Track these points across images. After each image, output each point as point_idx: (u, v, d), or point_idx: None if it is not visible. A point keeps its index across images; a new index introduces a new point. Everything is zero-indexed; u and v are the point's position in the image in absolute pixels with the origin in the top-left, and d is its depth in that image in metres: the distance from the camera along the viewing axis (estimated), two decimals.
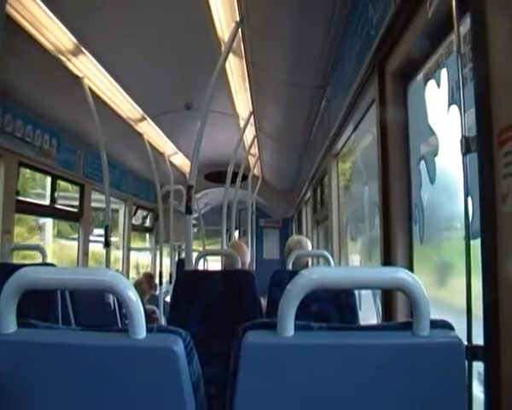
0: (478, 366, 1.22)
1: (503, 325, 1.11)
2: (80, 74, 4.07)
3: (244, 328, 0.92)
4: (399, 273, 0.86)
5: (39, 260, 3.14)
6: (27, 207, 4.91)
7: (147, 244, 9.45)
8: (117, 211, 7.77)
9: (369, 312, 2.83)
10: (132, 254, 8.12)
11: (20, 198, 4.59)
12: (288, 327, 0.86)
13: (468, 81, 1.37)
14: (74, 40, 3.54)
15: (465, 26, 1.37)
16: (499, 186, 1.12)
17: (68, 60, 3.81)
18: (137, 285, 5.97)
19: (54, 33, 3.41)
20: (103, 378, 0.86)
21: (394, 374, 0.85)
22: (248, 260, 3.34)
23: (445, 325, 0.89)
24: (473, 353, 1.20)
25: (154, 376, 0.86)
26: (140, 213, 8.65)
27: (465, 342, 1.19)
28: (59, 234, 8.07)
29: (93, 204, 6.36)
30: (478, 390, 1.28)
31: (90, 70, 4.05)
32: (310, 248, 3.46)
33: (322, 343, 0.87)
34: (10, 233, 4.23)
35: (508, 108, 1.11)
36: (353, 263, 3.64)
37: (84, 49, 3.69)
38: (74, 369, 0.86)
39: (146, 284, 6.36)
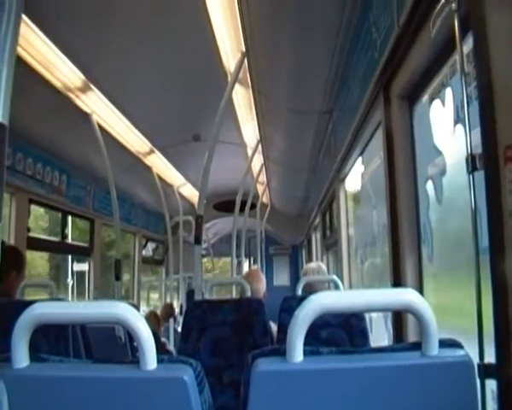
0: (492, 384, 1.19)
1: None
2: (89, 111, 4.13)
3: (253, 356, 0.91)
4: (406, 295, 0.86)
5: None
6: (38, 243, 4.95)
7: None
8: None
9: (380, 336, 2.78)
10: None
11: (32, 235, 4.63)
12: (297, 353, 0.85)
13: (472, 99, 1.37)
14: (83, 77, 3.61)
15: (468, 45, 1.38)
16: (506, 202, 1.11)
17: (77, 97, 3.88)
18: (148, 317, 5.91)
19: (62, 72, 3.48)
20: None
21: (405, 395, 0.83)
22: (264, 288, 3.29)
23: (454, 344, 0.88)
24: (485, 370, 1.17)
25: (166, 406, 0.85)
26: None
27: (477, 360, 1.17)
28: None
29: None
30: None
31: (98, 106, 4.11)
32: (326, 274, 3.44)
33: (332, 367, 0.85)
34: None
35: None
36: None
37: (92, 86, 3.75)
38: (86, 402, 0.86)
39: (164, 315, 6.24)
